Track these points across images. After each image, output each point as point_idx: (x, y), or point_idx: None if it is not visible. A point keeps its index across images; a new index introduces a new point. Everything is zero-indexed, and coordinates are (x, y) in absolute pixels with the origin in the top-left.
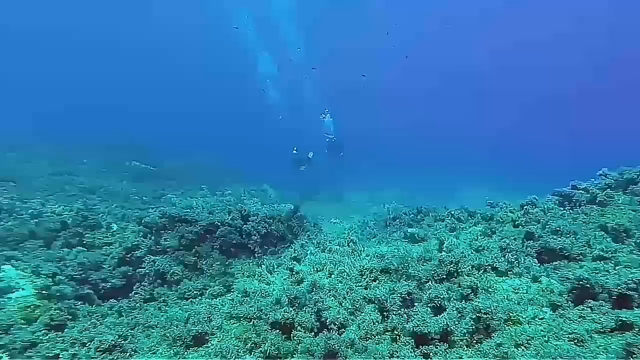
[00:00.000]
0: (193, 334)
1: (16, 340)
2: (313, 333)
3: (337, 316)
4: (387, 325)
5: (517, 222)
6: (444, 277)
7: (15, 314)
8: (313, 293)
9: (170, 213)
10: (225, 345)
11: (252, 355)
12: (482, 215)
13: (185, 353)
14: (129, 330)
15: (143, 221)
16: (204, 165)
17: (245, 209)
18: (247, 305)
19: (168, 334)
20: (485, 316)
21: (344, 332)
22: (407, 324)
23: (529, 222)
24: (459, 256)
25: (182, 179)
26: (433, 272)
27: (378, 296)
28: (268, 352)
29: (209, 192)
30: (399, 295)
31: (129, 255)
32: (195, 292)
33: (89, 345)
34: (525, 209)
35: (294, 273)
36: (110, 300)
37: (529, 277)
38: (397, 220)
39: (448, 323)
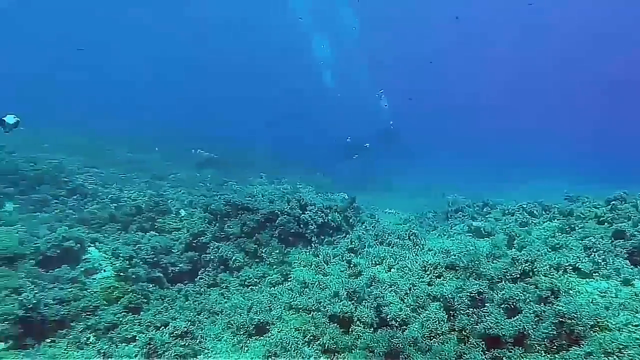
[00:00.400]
0: (255, 323)
1: (101, 322)
2: (372, 329)
3: (399, 313)
4: (453, 325)
5: (602, 219)
6: (518, 276)
7: (98, 295)
8: (372, 287)
9: (233, 201)
10: (284, 336)
11: (310, 348)
12: (559, 209)
13: (248, 342)
14: (196, 316)
15: (209, 208)
16: (262, 154)
17: (304, 198)
18: (306, 297)
19: (232, 322)
20: (569, 321)
21: (405, 329)
22: (477, 324)
23: (617, 219)
24: (534, 254)
25: (242, 167)
26: (505, 270)
27: (444, 294)
28: (326, 345)
29: (266, 180)
30: (467, 294)
31: (195, 241)
32: (255, 279)
33: (163, 329)
34: (613, 204)
35: (351, 265)
36: (178, 284)
37: (619, 279)
38: (460, 212)
39: (525, 326)
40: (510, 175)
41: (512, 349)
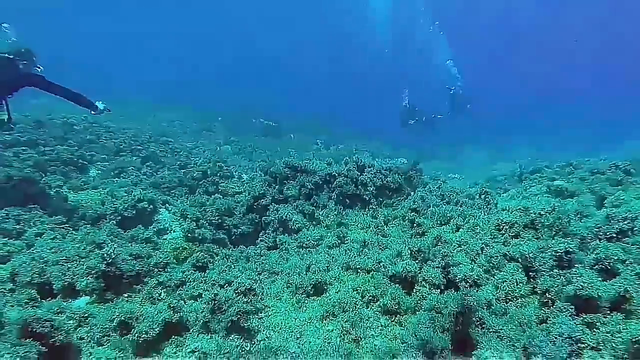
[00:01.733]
0: (313, 283)
1: (171, 278)
2: (439, 290)
3: (470, 273)
4: (535, 287)
5: None
6: (614, 236)
7: (169, 254)
8: (438, 247)
9: (292, 163)
10: (342, 297)
11: (369, 309)
12: None
13: (306, 301)
14: (256, 276)
15: (269, 171)
16: (320, 122)
17: (362, 159)
18: (365, 257)
19: (291, 282)
20: None
21: (478, 291)
22: (564, 286)
23: None
24: (635, 212)
25: (300, 135)
26: (598, 229)
27: (524, 253)
28: (387, 306)
29: (323, 147)
30: (552, 253)
31: (256, 203)
32: (312, 241)
33: (227, 287)
34: None
35: (414, 225)
36: (240, 246)
37: None
38: (537, 174)
39: (627, 288)
40: (604, 136)
41: (608, 314)
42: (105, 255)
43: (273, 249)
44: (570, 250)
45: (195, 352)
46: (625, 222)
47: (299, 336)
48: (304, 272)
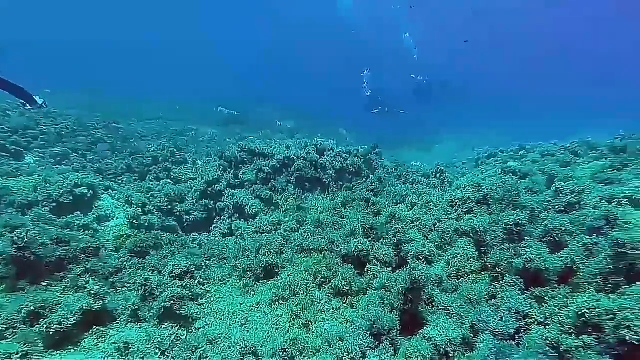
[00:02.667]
0: (263, 266)
1: (105, 265)
2: (391, 268)
3: (422, 250)
4: (485, 263)
5: None
6: (563, 209)
7: (110, 242)
8: (392, 224)
9: (249, 147)
10: (294, 279)
11: (321, 291)
12: (609, 147)
13: (255, 286)
14: (205, 261)
15: (224, 155)
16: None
17: (321, 142)
18: (319, 237)
19: (239, 265)
20: (632, 252)
21: (429, 268)
22: (514, 260)
23: None
24: (582, 185)
25: (263, 124)
26: (548, 202)
27: (475, 227)
28: (339, 287)
29: (286, 136)
30: (503, 226)
31: (210, 189)
32: (270, 226)
33: (164, 270)
34: None
35: (370, 204)
36: (193, 233)
37: None
38: (493, 158)
39: (574, 259)
40: (561, 127)
41: (556, 287)
42: (15, 238)
43: (229, 235)
44: (520, 222)
45: (118, 343)
46: (573, 196)
47: (244, 322)
48: (254, 255)
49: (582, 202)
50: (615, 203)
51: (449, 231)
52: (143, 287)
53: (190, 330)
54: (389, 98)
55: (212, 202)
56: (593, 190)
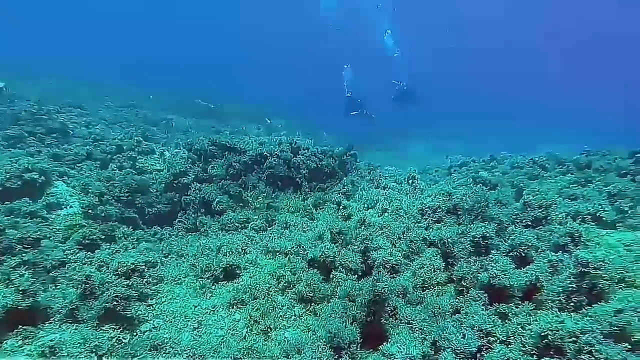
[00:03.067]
0: (223, 266)
1: (47, 258)
2: (356, 276)
3: (388, 258)
4: (452, 275)
5: (623, 171)
6: (530, 223)
7: (60, 232)
8: (361, 229)
9: (220, 141)
10: (256, 282)
11: (284, 296)
12: (575, 162)
13: (213, 287)
14: (161, 258)
15: (193, 148)
16: (263, 109)
17: (296, 141)
18: (285, 239)
19: (197, 264)
20: (594, 272)
21: (395, 278)
22: (479, 273)
23: None
24: (549, 200)
25: (241, 120)
26: (515, 216)
27: (443, 238)
28: (302, 293)
29: (264, 132)
30: (470, 239)
31: (176, 182)
32: (237, 224)
33: (109, 267)
34: (637, 157)
35: (341, 207)
36: (154, 226)
37: None
38: (464, 167)
39: (537, 277)
40: (526, 138)
41: (520, 303)
42: None
43: (193, 231)
44: (488, 235)
45: (44, 346)
46: (540, 210)
47: (196, 326)
48: (214, 254)
49: (548, 217)
50: (580, 220)
51: (417, 240)
52: (83, 285)
53: (134, 334)
54: (368, 100)
55: (177, 195)
56: (559, 206)
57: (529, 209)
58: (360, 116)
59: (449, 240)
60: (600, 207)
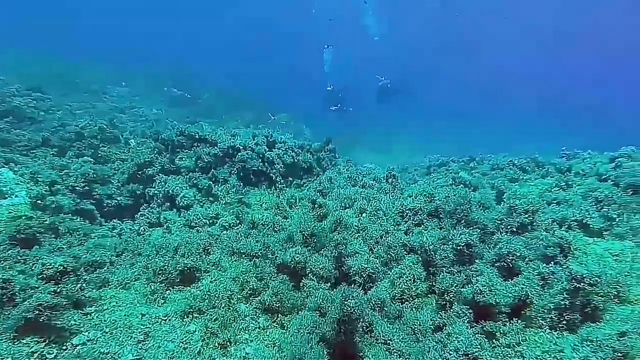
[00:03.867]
0: (180, 268)
1: None
2: (329, 284)
3: (365, 265)
4: (433, 285)
5: (604, 176)
6: (515, 230)
7: (5, 224)
8: (336, 232)
9: (189, 131)
10: (216, 288)
11: (248, 305)
12: (555, 166)
13: (166, 293)
14: (113, 257)
15: (160, 137)
16: (242, 100)
17: (272, 134)
18: (253, 240)
19: (150, 265)
20: (589, 288)
21: (372, 287)
22: (464, 287)
23: (621, 177)
24: (535, 204)
25: (218, 111)
26: (500, 221)
27: (424, 244)
28: (268, 303)
29: (242, 125)
30: (453, 246)
31: (140, 172)
32: (204, 220)
33: (32, 269)
34: (618, 162)
35: (316, 206)
36: (114, 220)
37: (637, 240)
38: (444, 167)
39: (527, 292)
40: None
41: (508, 321)
42: None
43: (156, 226)
44: (472, 242)
45: None
46: (526, 216)
47: (142, 339)
48: (171, 254)
49: (534, 223)
50: (566, 226)
51: (397, 246)
52: (1, 290)
53: (64, 348)
54: (349, 92)
55: (141, 187)
56: (544, 211)
57: (514, 214)
58: (339, 111)
59: (431, 246)
60: (587, 213)
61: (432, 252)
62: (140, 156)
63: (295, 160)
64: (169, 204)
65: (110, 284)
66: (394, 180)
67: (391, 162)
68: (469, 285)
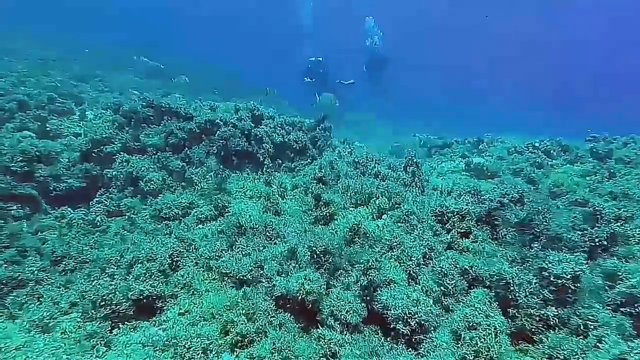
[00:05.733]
0: (134, 297)
1: None
2: (352, 333)
3: (412, 308)
4: (521, 343)
5: None
6: (606, 243)
7: None
8: (356, 245)
9: (158, 102)
10: (185, 332)
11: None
12: (591, 151)
13: (110, 337)
14: (36, 272)
15: (121, 108)
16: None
17: (259, 108)
18: (240, 253)
19: (87, 292)
20: None
21: (422, 342)
22: (585, 354)
23: None
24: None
25: (194, 83)
26: (583, 232)
27: (500, 273)
28: (264, 357)
29: (221, 99)
30: (551, 277)
31: (96, 150)
32: (176, 209)
33: None
34: None
35: (320, 203)
36: (62, 207)
37: None
38: (447, 148)
39: None
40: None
41: None
42: None
43: (116, 215)
44: (579, 273)
45: None
46: (618, 224)
47: None
48: (124, 273)
49: (627, 234)
50: None
51: (452, 274)
52: None
53: None
54: (333, 68)
55: (98, 168)
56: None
57: (600, 221)
58: (312, 86)
59: (507, 275)
60: None
61: (515, 287)
62: (97, 131)
63: (286, 140)
64: (133, 188)
65: (21, 322)
66: (415, 169)
67: (376, 141)
68: (594, 350)
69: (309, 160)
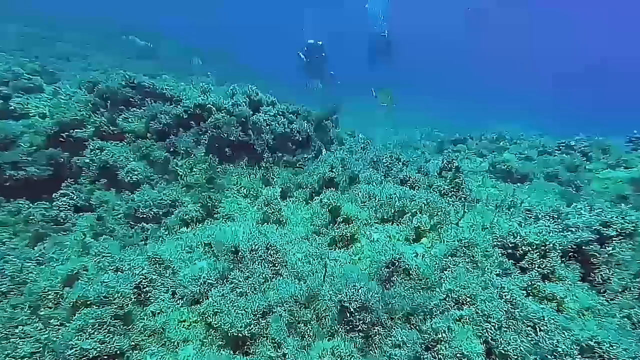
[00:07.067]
0: (76, 356)
1: None
2: None
3: None
4: None
5: None
6: None
7: None
8: (398, 289)
9: (141, 82)
10: None
11: None
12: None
13: None
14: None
15: (97, 88)
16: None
17: (258, 92)
18: (233, 296)
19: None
20: None
21: None
22: None
23: None
24: None
25: (187, 66)
26: None
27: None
28: None
29: (214, 82)
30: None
31: (64, 134)
32: (156, 208)
33: None
34: None
35: (337, 218)
36: (20, 199)
37: None
38: (460, 144)
39: None
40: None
41: None
42: None
43: (85, 210)
44: None
45: None
46: None
47: None
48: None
49: None
50: None
51: (566, 344)
52: None
53: None
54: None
55: (66, 155)
56: None
57: None
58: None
59: (605, 342)
60: None
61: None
62: (65, 112)
63: (288, 130)
64: (106, 180)
65: None
66: (456, 175)
67: (376, 132)
68: None
69: (312, 154)
